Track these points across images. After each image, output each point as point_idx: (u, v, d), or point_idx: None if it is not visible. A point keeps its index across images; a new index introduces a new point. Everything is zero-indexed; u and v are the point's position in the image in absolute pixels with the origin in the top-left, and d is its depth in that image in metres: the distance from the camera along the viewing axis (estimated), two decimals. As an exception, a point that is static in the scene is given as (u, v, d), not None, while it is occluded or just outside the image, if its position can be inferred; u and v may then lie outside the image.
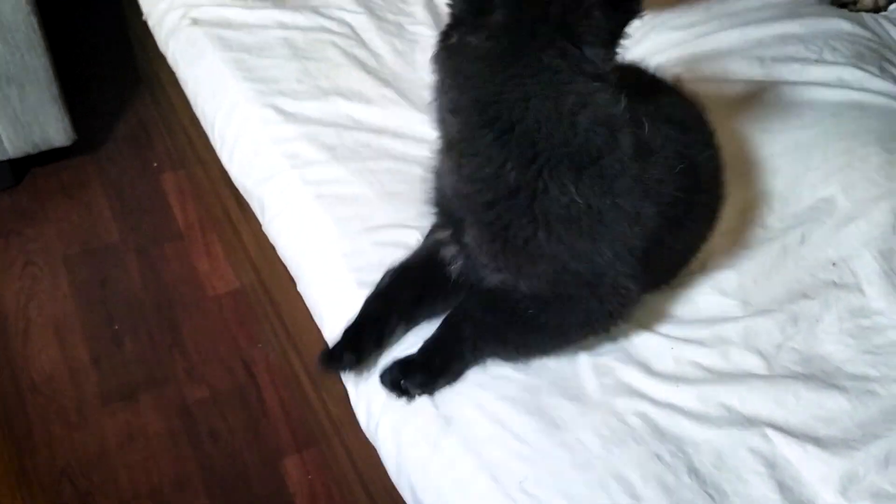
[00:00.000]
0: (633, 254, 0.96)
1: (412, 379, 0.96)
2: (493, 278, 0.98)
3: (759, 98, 1.44)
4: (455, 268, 1.01)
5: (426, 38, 1.58)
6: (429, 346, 0.98)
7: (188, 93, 1.54)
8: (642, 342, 1.06)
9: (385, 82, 1.46)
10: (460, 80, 0.91)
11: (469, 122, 0.90)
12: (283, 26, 1.56)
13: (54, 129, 2.03)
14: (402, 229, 1.17)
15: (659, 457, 0.92)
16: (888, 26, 1.71)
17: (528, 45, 0.87)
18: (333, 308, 1.12)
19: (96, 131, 2.27)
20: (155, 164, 2.23)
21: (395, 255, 1.11)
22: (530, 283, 0.96)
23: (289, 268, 1.23)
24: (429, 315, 1.03)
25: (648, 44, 1.57)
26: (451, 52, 0.94)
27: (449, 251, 1.01)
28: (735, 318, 1.10)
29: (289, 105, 1.38)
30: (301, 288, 1.20)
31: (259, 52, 1.49)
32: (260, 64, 1.46)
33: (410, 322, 1.03)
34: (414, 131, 1.35)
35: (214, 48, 1.49)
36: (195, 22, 1.55)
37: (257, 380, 1.72)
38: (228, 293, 1.90)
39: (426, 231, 1.10)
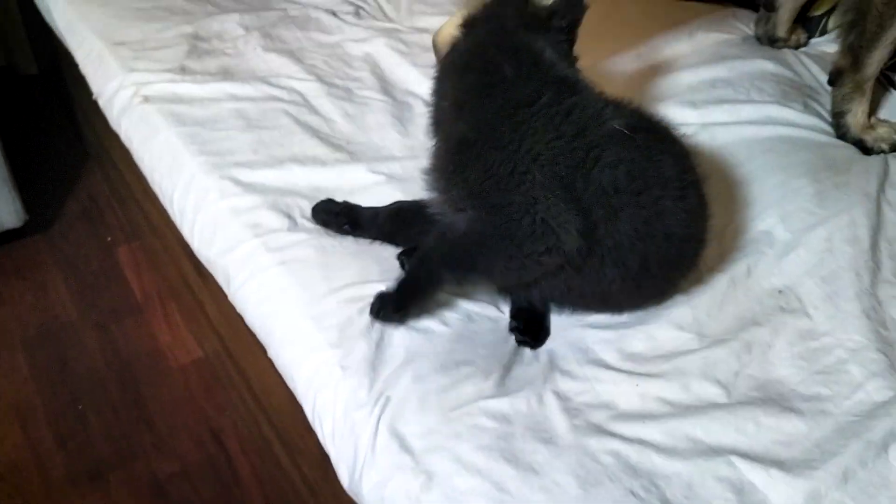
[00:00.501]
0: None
1: (387, 308, 1.11)
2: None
3: (695, 141, 1.52)
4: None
5: (375, 100, 1.64)
6: (401, 279, 1.13)
7: (144, 169, 1.56)
8: (609, 380, 1.10)
9: (338, 146, 1.50)
10: None
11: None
12: (235, 98, 1.60)
13: (5, 212, 2.02)
14: (368, 285, 1.19)
15: (633, 493, 0.95)
16: (808, 62, 1.83)
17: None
18: (305, 370, 1.14)
19: (47, 210, 2.26)
20: (109, 239, 2.23)
21: (364, 311, 1.14)
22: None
23: (258, 335, 1.25)
24: None
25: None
26: None
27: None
28: (693, 351, 1.15)
29: (246, 175, 1.40)
30: (272, 354, 1.21)
31: (213, 125, 1.52)
32: (214, 136, 1.49)
33: None
34: (367, 189, 1.39)
35: (168, 124, 1.52)
36: (147, 99, 1.58)
37: (227, 449, 1.71)
38: (192, 363, 1.90)
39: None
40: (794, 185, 1.43)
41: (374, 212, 1.29)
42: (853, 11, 1.54)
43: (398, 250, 1.25)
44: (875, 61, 1.56)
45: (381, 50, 1.78)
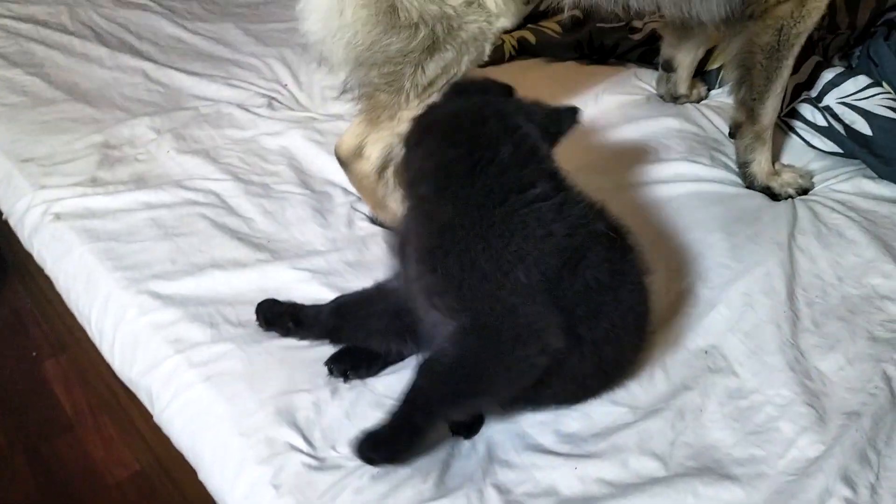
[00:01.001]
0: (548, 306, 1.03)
1: (379, 452, 1.04)
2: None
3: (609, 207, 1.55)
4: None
5: (294, 194, 1.63)
6: (392, 422, 1.04)
7: (59, 289, 1.51)
8: (549, 466, 1.10)
9: (259, 246, 1.49)
10: None
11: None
12: (149, 206, 1.57)
13: (-82, 339, 1.92)
14: (297, 395, 1.17)
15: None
16: (711, 115, 1.89)
17: None
18: (238, 493, 1.10)
19: (-33, 329, 2.17)
20: (34, 354, 2.14)
21: (292, 424, 1.11)
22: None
23: (187, 457, 1.20)
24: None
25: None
26: None
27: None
28: (628, 424, 1.15)
29: (165, 287, 1.38)
30: (202, 477, 1.17)
31: (127, 238, 1.49)
32: (130, 250, 1.46)
33: None
34: (292, 288, 1.37)
35: (81, 241, 1.48)
36: (58, 217, 1.54)
37: (173, 567, 1.63)
38: (129, 477, 1.82)
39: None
40: (709, 240, 1.46)
41: (318, 309, 1.26)
42: (740, 68, 1.61)
43: (327, 355, 1.22)
44: (769, 111, 1.63)
45: (297, 142, 1.78)
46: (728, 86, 1.69)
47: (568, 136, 1.18)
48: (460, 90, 1.22)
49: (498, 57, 2.08)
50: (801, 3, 1.51)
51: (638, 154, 1.72)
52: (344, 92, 1.52)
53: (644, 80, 2.02)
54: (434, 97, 1.41)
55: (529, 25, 2.15)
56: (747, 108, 1.63)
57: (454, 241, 1.03)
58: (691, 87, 1.93)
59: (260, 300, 1.30)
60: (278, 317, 1.27)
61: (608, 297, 1.08)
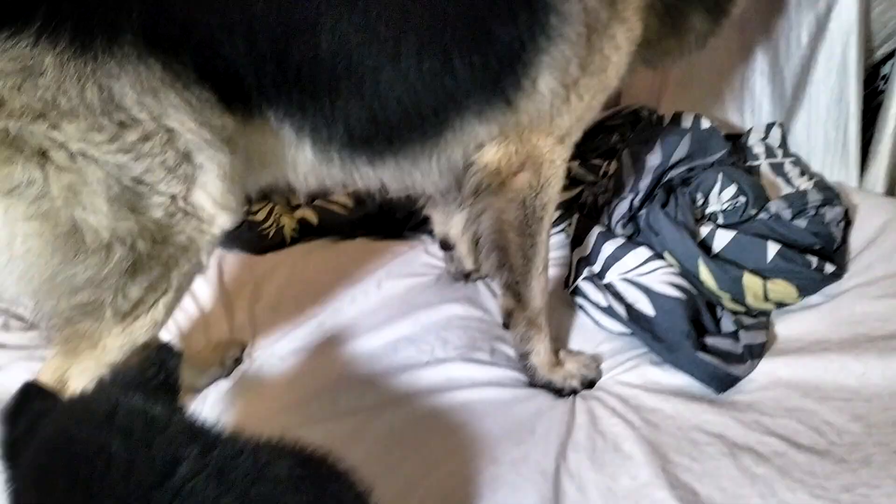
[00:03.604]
0: None
1: None
2: None
3: (365, 435, 1.36)
4: None
5: None
6: None
7: None
8: None
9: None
10: None
11: None
12: None
13: None
14: None
15: None
16: (499, 292, 1.74)
17: None
18: None
19: None
20: None
21: None
22: None
23: None
24: None
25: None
26: None
27: None
28: None
29: None
30: None
31: None
32: None
33: None
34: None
35: None
36: None
37: None
38: None
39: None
40: (466, 472, 1.28)
41: None
42: (495, 250, 1.45)
43: None
44: (537, 294, 1.47)
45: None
46: (490, 273, 1.53)
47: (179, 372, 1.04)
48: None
49: (277, 242, 1.92)
50: (536, 173, 1.37)
51: (411, 354, 1.54)
52: (33, 324, 1.30)
53: (436, 255, 1.87)
54: (142, 318, 1.22)
55: (315, 203, 2.01)
56: (514, 293, 1.47)
57: None
58: (477, 261, 1.79)
59: None
60: None
61: None
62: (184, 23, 1.09)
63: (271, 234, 1.92)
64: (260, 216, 1.97)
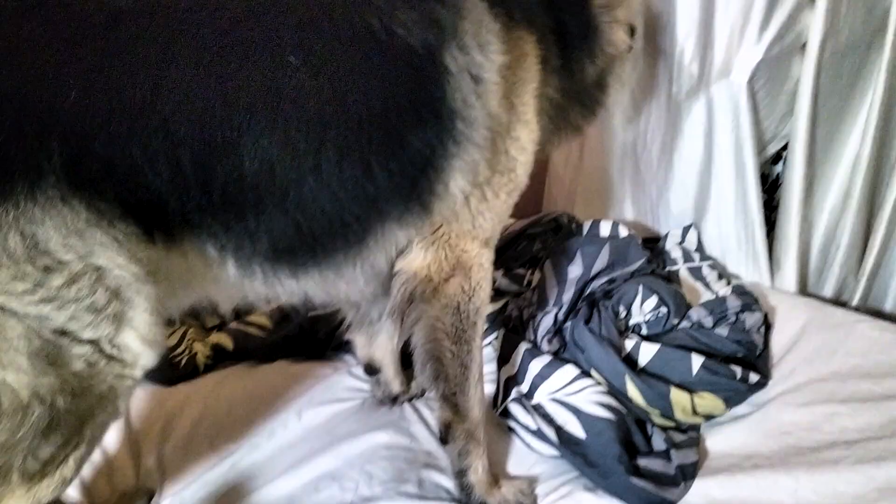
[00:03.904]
0: None
1: None
2: None
3: None
4: None
5: None
6: None
7: None
8: None
9: None
10: None
11: None
12: None
13: None
14: None
15: None
16: (428, 415, 1.68)
17: None
18: None
19: None
20: None
21: None
22: None
23: None
24: None
25: None
26: None
27: None
28: None
29: None
30: None
31: None
32: None
33: None
34: None
35: None
36: None
37: None
38: None
39: None
40: None
41: None
42: (431, 360, 1.40)
43: None
44: (475, 403, 1.42)
45: None
46: (426, 386, 1.48)
47: None
48: None
49: (190, 371, 1.81)
50: (467, 277, 1.37)
51: (334, 494, 1.45)
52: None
53: (360, 377, 1.80)
54: (50, 477, 1.11)
55: (231, 326, 1.92)
56: (451, 404, 1.42)
57: None
58: (405, 382, 1.73)
59: None
60: None
61: None
62: (106, 158, 1.02)
63: (183, 361, 1.81)
64: (171, 341, 1.87)
